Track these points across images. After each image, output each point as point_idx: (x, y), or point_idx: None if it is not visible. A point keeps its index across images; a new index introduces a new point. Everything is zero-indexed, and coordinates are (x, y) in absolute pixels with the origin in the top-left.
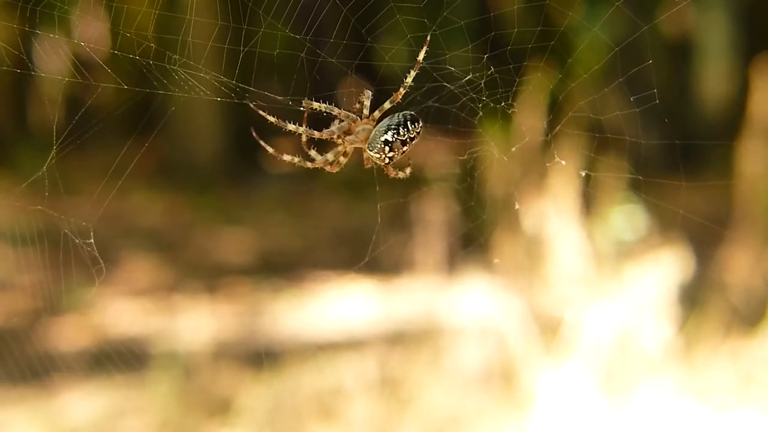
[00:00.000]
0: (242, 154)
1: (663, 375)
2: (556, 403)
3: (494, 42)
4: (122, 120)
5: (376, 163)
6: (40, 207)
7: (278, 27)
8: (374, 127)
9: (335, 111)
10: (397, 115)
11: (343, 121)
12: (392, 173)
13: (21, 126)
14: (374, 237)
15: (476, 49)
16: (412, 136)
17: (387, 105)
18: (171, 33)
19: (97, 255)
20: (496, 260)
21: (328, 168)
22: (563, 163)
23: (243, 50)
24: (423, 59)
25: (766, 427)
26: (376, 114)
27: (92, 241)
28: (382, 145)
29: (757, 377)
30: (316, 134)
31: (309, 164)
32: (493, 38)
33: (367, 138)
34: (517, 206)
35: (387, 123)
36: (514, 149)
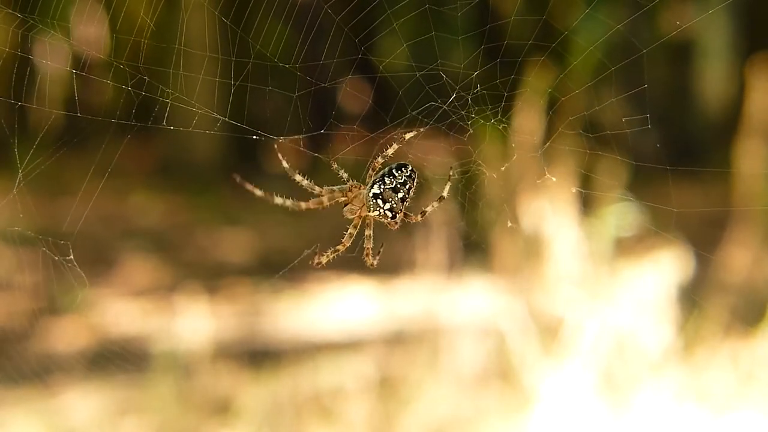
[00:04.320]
0: (242, 153)
1: (663, 375)
2: (556, 403)
3: (486, 54)
4: (120, 118)
5: (385, 224)
6: (18, 228)
7: (268, 57)
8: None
9: (331, 194)
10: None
11: (334, 198)
12: (395, 227)
13: (21, 126)
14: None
15: (467, 65)
16: (401, 180)
17: (371, 172)
18: (167, 46)
19: (80, 270)
20: (485, 261)
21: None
22: (554, 179)
23: (234, 84)
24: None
25: (766, 427)
26: (366, 179)
27: (72, 257)
28: (374, 200)
29: (757, 377)
30: (317, 206)
31: (302, 205)
32: (485, 51)
33: (364, 203)
34: (509, 224)
35: (372, 179)
36: (503, 168)
